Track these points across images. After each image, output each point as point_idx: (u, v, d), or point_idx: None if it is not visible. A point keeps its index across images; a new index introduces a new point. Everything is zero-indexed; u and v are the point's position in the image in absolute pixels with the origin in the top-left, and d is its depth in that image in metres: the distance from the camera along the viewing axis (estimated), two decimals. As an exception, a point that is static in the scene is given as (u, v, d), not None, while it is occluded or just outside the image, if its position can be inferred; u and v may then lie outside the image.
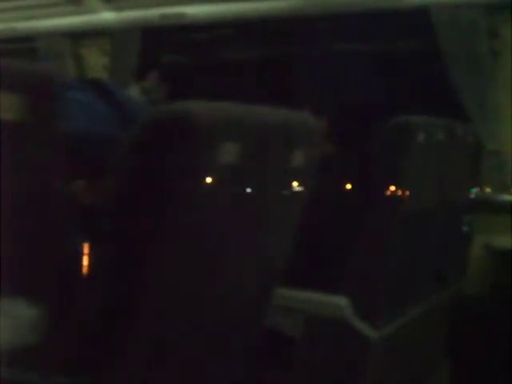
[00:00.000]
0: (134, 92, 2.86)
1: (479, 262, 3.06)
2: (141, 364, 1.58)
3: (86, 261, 1.53)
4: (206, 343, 1.75)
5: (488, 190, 3.14)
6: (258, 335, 1.95)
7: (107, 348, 1.52)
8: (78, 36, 4.02)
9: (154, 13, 3.72)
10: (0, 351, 1.31)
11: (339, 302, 2.32)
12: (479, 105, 3.08)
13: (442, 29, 3.09)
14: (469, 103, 3.10)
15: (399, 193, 2.35)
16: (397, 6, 3.16)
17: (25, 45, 4.16)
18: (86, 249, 1.55)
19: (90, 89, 2.03)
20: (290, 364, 2.34)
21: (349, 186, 2.65)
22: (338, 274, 2.36)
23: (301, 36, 3.67)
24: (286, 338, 2.33)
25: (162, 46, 4.07)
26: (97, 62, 3.98)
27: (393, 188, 2.34)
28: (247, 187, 1.64)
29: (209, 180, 1.50)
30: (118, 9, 3.82)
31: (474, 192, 3.09)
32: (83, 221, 1.64)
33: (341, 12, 3.30)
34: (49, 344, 1.43)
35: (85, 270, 1.53)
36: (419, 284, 2.69)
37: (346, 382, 2.34)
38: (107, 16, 3.85)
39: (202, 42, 4.02)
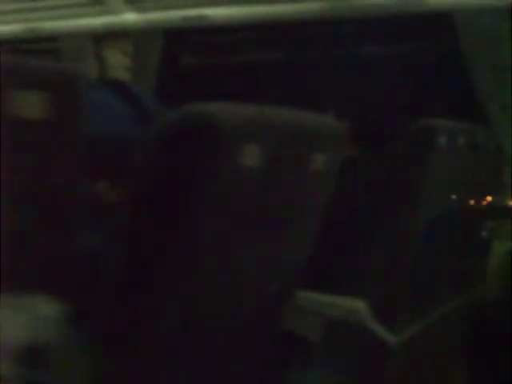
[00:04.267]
0: None
1: (499, 268, 3.04)
2: (159, 363, 1.58)
3: (107, 260, 1.54)
4: (223, 345, 1.75)
5: (509, 195, 3.13)
6: (276, 338, 1.95)
7: (126, 347, 1.53)
8: (100, 37, 4.03)
9: (175, 14, 3.72)
10: (19, 349, 1.32)
11: (357, 306, 2.31)
12: (501, 110, 3.07)
13: (465, 32, 3.08)
14: (491, 108, 3.09)
15: (421, 196, 2.34)
16: (420, 9, 3.16)
17: (47, 45, 4.18)
18: (107, 247, 1.55)
19: (112, 89, 2.04)
20: (308, 367, 2.34)
21: (371, 189, 2.65)
22: (357, 278, 2.35)
23: (324, 38, 3.66)
24: (303, 342, 2.32)
25: (183, 48, 4.08)
26: (118, 63, 3.98)
27: (413, 192, 2.33)
28: (270, 189, 1.64)
29: (232, 182, 1.50)
30: (140, 10, 3.83)
31: (495, 197, 3.08)
32: (104, 220, 1.65)
33: (364, 15, 3.29)
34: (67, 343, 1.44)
35: (106, 268, 1.54)
36: (439, 288, 2.68)
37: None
38: (129, 17, 3.87)
39: (224, 44, 4.02)
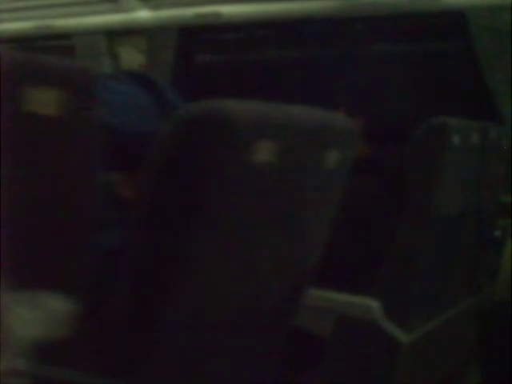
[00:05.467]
0: None
1: (511, 266, 3.03)
2: (170, 362, 1.59)
3: (121, 254, 1.54)
4: (235, 342, 1.76)
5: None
6: (288, 335, 1.95)
7: (137, 345, 1.53)
8: (114, 34, 4.04)
9: (189, 12, 3.73)
10: (30, 344, 1.32)
11: (370, 304, 2.31)
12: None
13: (478, 31, 3.07)
14: (504, 106, 3.08)
15: (434, 195, 2.34)
16: (433, 7, 3.15)
17: (62, 42, 4.19)
18: (121, 242, 1.56)
19: (135, 82, 2.03)
20: (320, 364, 2.34)
21: (384, 188, 2.64)
22: (370, 276, 2.35)
23: (337, 36, 3.66)
24: (316, 339, 2.32)
25: (197, 45, 4.08)
26: (133, 61, 3.99)
27: (426, 190, 2.33)
28: (282, 187, 1.64)
29: (245, 178, 1.50)
30: (154, 7, 3.84)
31: (508, 196, 3.07)
32: (120, 214, 1.65)
33: (377, 13, 3.29)
34: (79, 339, 1.44)
35: (120, 263, 1.54)
36: (451, 287, 2.68)
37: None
38: (143, 14, 3.87)
39: (238, 42, 4.02)
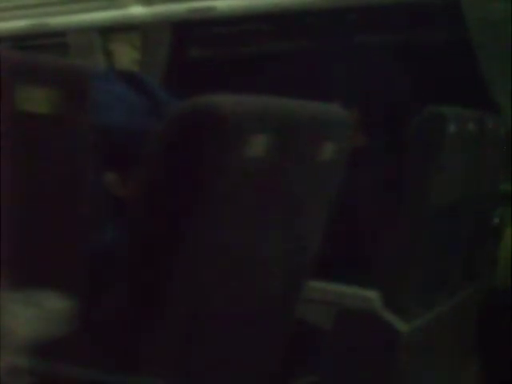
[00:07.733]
0: None
1: (510, 255, 3.04)
2: (170, 357, 1.59)
3: (117, 252, 1.54)
4: (235, 336, 1.76)
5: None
6: (288, 327, 1.96)
7: (136, 342, 1.53)
8: (107, 31, 4.04)
9: (183, 7, 3.73)
10: (28, 342, 1.32)
11: (369, 295, 2.31)
12: (511, 97, 3.06)
13: (472, 20, 3.07)
14: (500, 95, 3.08)
15: (431, 184, 2.34)
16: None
17: (55, 40, 4.19)
18: (117, 240, 1.56)
19: (126, 81, 2.04)
20: (320, 356, 2.34)
21: (381, 177, 2.65)
22: (369, 266, 2.36)
23: (331, 28, 3.66)
24: (315, 331, 2.33)
25: (191, 40, 4.07)
26: (127, 57, 3.99)
27: (423, 179, 2.33)
28: (277, 181, 1.64)
29: (241, 173, 1.50)
30: (148, 3, 3.84)
31: (506, 184, 3.07)
32: (116, 212, 1.65)
33: (369, 3, 3.29)
34: (77, 336, 1.44)
35: (116, 261, 1.54)
36: (449, 276, 2.69)
37: (375, 374, 2.34)
38: (137, 10, 3.87)
39: (232, 36, 4.02)
